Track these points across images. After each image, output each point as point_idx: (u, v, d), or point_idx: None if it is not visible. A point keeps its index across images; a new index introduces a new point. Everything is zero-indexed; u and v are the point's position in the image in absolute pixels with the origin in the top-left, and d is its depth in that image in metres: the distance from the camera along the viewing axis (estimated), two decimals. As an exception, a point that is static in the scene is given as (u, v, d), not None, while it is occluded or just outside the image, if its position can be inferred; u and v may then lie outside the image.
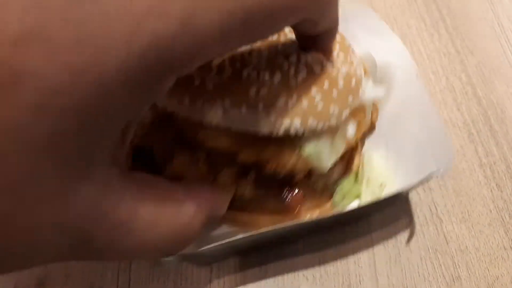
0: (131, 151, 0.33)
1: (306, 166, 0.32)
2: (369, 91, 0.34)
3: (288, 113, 0.27)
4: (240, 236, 0.31)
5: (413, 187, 0.34)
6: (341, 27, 0.42)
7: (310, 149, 0.31)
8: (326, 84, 0.29)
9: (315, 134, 0.30)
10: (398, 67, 0.39)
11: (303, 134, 0.29)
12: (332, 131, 0.31)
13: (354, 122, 0.33)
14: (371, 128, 0.40)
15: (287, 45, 0.30)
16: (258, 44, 0.30)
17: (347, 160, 0.37)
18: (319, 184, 0.35)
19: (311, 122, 0.28)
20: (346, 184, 0.37)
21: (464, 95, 0.50)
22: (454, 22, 0.56)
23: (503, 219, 0.41)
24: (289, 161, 0.31)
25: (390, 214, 0.40)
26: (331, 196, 0.37)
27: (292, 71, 0.28)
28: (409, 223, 0.40)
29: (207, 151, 0.32)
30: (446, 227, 0.40)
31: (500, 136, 0.47)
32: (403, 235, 0.39)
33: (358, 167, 0.38)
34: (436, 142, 0.34)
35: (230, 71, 0.28)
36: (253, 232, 0.31)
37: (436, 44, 0.54)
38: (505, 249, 0.39)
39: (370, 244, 0.39)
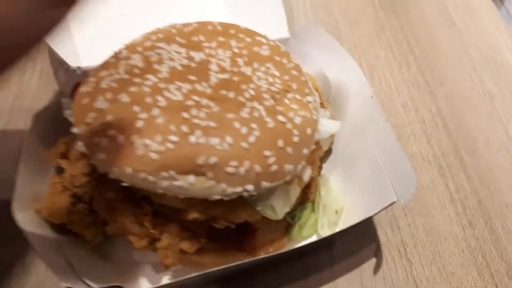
0: (67, 204, 0.30)
1: (259, 217, 0.30)
2: (326, 127, 0.32)
3: (240, 180, 0.25)
4: (187, 276, 0.28)
5: (371, 216, 0.32)
6: (294, 45, 0.41)
7: (262, 204, 0.29)
8: (280, 143, 0.27)
9: (268, 190, 0.28)
10: (352, 87, 0.37)
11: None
12: (287, 182, 0.30)
13: (310, 165, 0.31)
14: (327, 152, 0.38)
15: (241, 89, 0.28)
16: (206, 92, 0.28)
17: (305, 188, 0.35)
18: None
19: (265, 184, 0.26)
20: (304, 214, 0.35)
21: (434, 127, 0.48)
22: (423, 52, 0.56)
23: (475, 260, 0.39)
24: (241, 216, 0.29)
25: (355, 259, 0.37)
26: (287, 227, 0.35)
27: (243, 130, 0.26)
28: (377, 267, 0.37)
29: (153, 208, 0.30)
30: (416, 269, 0.38)
31: (471, 169, 0.45)
32: (370, 278, 0.37)
33: (315, 194, 0.36)
34: (396, 167, 0.32)
35: (175, 137, 0.25)
36: (201, 272, 0.28)
37: (405, 75, 0.53)
38: (478, 292, 0.37)
39: (334, 291, 0.36)
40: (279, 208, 0.30)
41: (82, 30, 0.45)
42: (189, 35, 0.32)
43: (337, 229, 0.34)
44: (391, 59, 0.54)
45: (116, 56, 0.30)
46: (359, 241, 0.38)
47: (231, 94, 0.28)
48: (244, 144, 0.26)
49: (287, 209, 0.30)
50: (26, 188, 0.29)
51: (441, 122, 0.48)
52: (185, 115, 0.26)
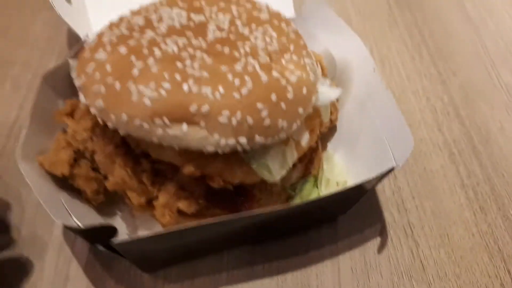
0: (70, 158, 0.31)
1: (256, 178, 0.30)
2: (325, 94, 0.32)
3: (232, 131, 0.25)
4: (180, 227, 0.27)
5: (371, 182, 0.31)
6: (299, 25, 0.41)
7: (258, 162, 0.29)
8: (273, 97, 0.27)
9: (263, 147, 0.28)
10: (356, 64, 0.37)
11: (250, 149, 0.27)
12: (283, 142, 0.29)
13: (307, 130, 0.31)
14: (332, 128, 0.37)
15: (236, 45, 0.29)
16: (202, 47, 0.28)
17: (307, 162, 0.34)
18: (276, 187, 0.32)
19: (258, 139, 0.26)
20: (305, 187, 0.35)
21: (445, 115, 0.47)
22: (437, 44, 0.55)
23: (487, 244, 0.37)
24: (237, 175, 0.29)
25: (359, 237, 0.37)
26: (288, 199, 0.34)
27: (236, 82, 0.26)
28: (382, 246, 0.36)
29: (151, 162, 0.30)
30: (423, 251, 0.36)
31: (484, 157, 0.43)
32: (373, 257, 0.35)
33: (318, 169, 0.36)
34: (395, 134, 0.32)
35: (168, 84, 0.26)
36: (191, 225, 0.27)
37: (417, 66, 0.52)
38: (489, 277, 0.35)
39: (336, 268, 0.35)
40: (275, 169, 0.29)
41: (98, 11, 0.47)
42: (191, 0, 0.33)
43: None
44: (404, 51, 0.54)
45: (121, 18, 0.31)
46: (364, 220, 0.38)
47: (226, 50, 0.28)
48: (236, 95, 0.26)
49: (283, 172, 0.30)
50: (31, 141, 0.30)
51: (453, 111, 0.47)
52: (179, 64, 0.26)
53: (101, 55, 0.28)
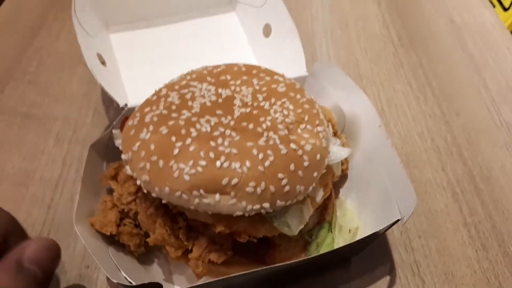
0: (116, 218, 0.36)
1: (277, 232, 0.34)
2: (337, 153, 0.36)
3: (258, 199, 0.30)
4: (210, 280, 0.32)
5: (379, 232, 0.34)
6: (311, 82, 0.46)
7: (279, 220, 0.33)
8: (292, 167, 0.31)
9: (283, 208, 0.33)
10: (363, 118, 0.41)
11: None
12: (300, 202, 0.34)
13: (322, 187, 0.36)
14: (343, 176, 0.42)
15: (259, 121, 0.33)
16: (230, 124, 0.33)
17: (322, 209, 0.39)
18: (295, 235, 0.36)
19: (279, 203, 0.31)
20: (321, 233, 0.38)
21: (449, 155, 0.51)
22: (441, 86, 0.59)
23: (488, 280, 0.40)
24: (261, 231, 0.34)
25: (371, 277, 0.40)
26: (305, 245, 0.38)
27: (260, 156, 0.31)
28: (391, 285, 0.40)
29: (186, 220, 0.35)
30: (428, 287, 0.40)
31: (485, 195, 0.47)
32: (383, 296, 0.39)
33: (332, 215, 0.40)
34: (400, 189, 0.35)
35: (204, 161, 0.30)
36: (224, 277, 0.31)
37: (422, 107, 0.56)
38: (491, 311, 0.39)
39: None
40: (293, 225, 0.34)
41: (129, 72, 0.53)
42: (218, 75, 0.38)
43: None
44: (409, 92, 0.58)
45: (157, 94, 0.36)
46: (374, 260, 0.41)
47: (251, 126, 0.33)
48: (261, 168, 0.30)
49: (301, 226, 0.34)
50: (83, 205, 0.35)
51: (456, 151, 0.51)
52: (212, 143, 0.31)
53: (145, 135, 0.33)
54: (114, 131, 0.37)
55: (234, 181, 0.30)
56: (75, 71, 0.57)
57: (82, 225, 0.34)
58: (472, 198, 0.47)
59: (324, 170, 0.34)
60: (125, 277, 0.32)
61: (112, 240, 0.37)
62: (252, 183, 0.30)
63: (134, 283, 0.30)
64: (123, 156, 0.33)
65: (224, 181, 0.30)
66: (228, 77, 0.38)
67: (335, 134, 0.41)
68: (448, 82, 0.59)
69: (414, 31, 0.67)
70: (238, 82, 0.37)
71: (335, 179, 0.40)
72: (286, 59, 0.51)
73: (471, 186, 0.48)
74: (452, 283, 0.40)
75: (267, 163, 0.31)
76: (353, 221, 0.40)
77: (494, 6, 1.18)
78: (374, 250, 0.42)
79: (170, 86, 0.37)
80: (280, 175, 0.31)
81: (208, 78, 0.37)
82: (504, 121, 0.55)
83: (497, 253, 0.42)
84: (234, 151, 0.31)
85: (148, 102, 0.36)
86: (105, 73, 0.48)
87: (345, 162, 0.41)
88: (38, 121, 0.51)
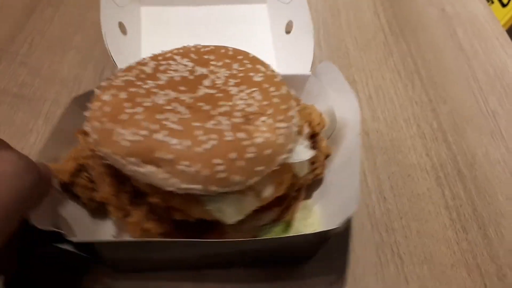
0: (73, 169, 0.37)
1: (211, 217, 0.34)
2: (299, 153, 0.36)
3: (189, 178, 0.30)
4: (131, 239, 0.34)
5: (308, 237, 0.34)
6: (314, 82, 0.45)
7: (213, 205, 0.33)
8: (232, 155, 0.30)
9: (219, 194, 0.32)
10: (350, 124, 0.40)
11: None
12: (240, 192, 0.33)
13: (272, 183, 0.35)
14: (318, 181, 0.41)
15: (218, 104, 0.33)
16: (187, 102, 0.33)
17: (284, 208, 0.38)
18: (246, 225, 0.36)
19: (212, 188, 0.30)
20: (273, 232, 0.38)
21: (434, 140, 0.51)
22: (429, 74, 0.59)
23: (466, 261, 0.41)
24: (194, 212, 0.33)
25: (350, 256, 0.41)
26: (252, 237, 0.37)
27: (203, 138, 0.30)
28: (370, 263, 0.41)
29: (134, 187, 0.35)
30: (407, 267, 0.41)
31: (468, 180, 0.48)
32: (362, 273, 0.40)
33: (292, 217, 0.39)
34: (351, 196, 0.34)
35: (145, 132, 0.31)
36: (148, 239, 0.33)
37: (410, 94, 0.57)
38: (467, 291, 0.39)
39: (328, 282, 0.39)
40: (229, 213, 0.33)
41: (150, 45, 0.56)
42: (203, 54, 0.38)
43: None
44: (397, 79, 0.58)
45: (139, 62, 0.37)
46: (354, 239, 0.42)
47: (207, 107, 0.32)
48: (199, 149, 0.30)
49: (239, 217, 0.34)
50: (50, 150, 0.37)
51: (442, 137, 0.52)
52: (160, 116, 0.31)
53: (106, 97, 0.33)
54: (95, 90, 0.37)
55: (169, 156, 0.30)
56: (67, 54, 0.58)
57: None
58: (455, 183, 0.47)
59: (277, 167, 0.33)
60: (55, 223, 0.33)
61: (67, 188, 0.38)
62: (185, 162, 0.30)
63: (51, 229, 0.31)
64: (85, 113, 0.34)
65: (159, 154, 0.30)
66: (212, 57, 0.38)
67: (314, 136, 0.41)
68: (437, 70, 0.60)
69: (405, 20, 0.67)
70: (220, 63, 0.37)
71: (306, 182, 0.40)
72: (296, 57, 0.51)
73: (455, 171, 0.48)
74: (430, 262, 0.41)
75: (206, 146, 0.30)
76: (313, 225, 0.39)
77: (492, 2, 1.19)
78: (355, 230, 0.42)
79: (154, 56, 0.38)
80: (216, 161, 0.30)
81: (192, 55, 0.38)
82: (490, 110, 0.55)
83: (476, 235, 0.43)
84: (179, 127, 0.31)
85: (127, 68, 0.37)
86: (120, 41, 0.51)
87: (320, 166, 0.41)
88: (28, 101, 0.52)
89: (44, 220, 0.32)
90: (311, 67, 0.48)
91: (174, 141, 0.30)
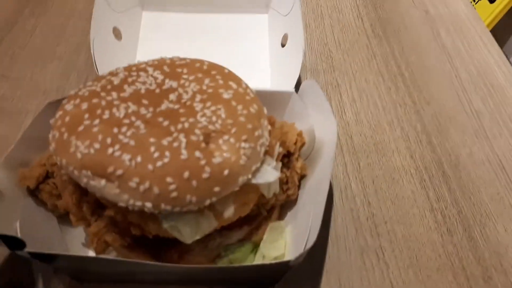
0: (40, 175, 0.37)
1: (167, 235, 0.33)
2: (264, 174, 0.35)
3: (140, 196, 0.29)
4: (96, 256, 0.34)
5: (265, 267, 0.33)
6: (296, 100, 0.45)
7: (169, 223, 0.32)
8: (186, 174, 0.30)
9: (175, 213, 0.32)
10: (326, 147, 0.39)
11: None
12: (197, 212, 0.33)
13: (235, 203, 0.34)
14: (291, 202, 0.41)
15: (179, 120, 0.32)
16: (146, 117, 0.32)
17: (254, 227, 0.38)
18: (212, 242, 0.36)
19: (164, 206, 0.30)
20: (239, 251, 0.37)
21: (418, 143, 0.51)
22: (412, 75, 0.59)
23: (452, 264, 0.41)
24: (151, 229, 0.33)
25: (334, 261, 0.41)
26: (215, 257, 0.37)
27: (156, 155, 0.30)
28: (355, 269, 0.40)
29: (94, 197, 0.34)
30: (392, 272, 0.40)
31: (453, 182, 0.48)
32: (347, 278, 0.40)
33: (261, 238, 0.39)
34: (314, 227, 0.33)
35: (98, 145, 0.30)
36: (112, 257, 0.33)
37: (393, 97, 0.57)
38: (453, 294, 0.39)
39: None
40: (186, 232, 0.32)
41: (146, 51, 0.57)
42: (176, 67, 0.37)
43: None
44: (380, 82, 0.58)
45: (111, 72, 0.37)
46: (339, 244, 0.42)
47: (166, 123, 0.32)
48: (150, 166, 0.29)
49: (196, 236, 0.33)
50: (18, 153, 0.37)
51: (426, 139, 0.52)
52: (115, 130, 0.31)
53: (69, 106, 0.33)
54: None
55: (119, 171, 0.29)
56: (49, 66, 0.57)
57: (7, 171, 0.36)
58: (439, 185, 0.47)
59: (237, 188, 0.33)
60: (16, 227, 0.33)
61: (32, 194, 0.38)
62: (136, 179, 0.29)
63: (18, 234, 0.32)
64: (50, 121, 0.34)
65: (110, 169, 0.30)
66: (185, 70, 0.37)
67: (289, 156, 0.40)
68: (420, 71, 0.60)
69: (388, 22, 0.68)
70: (191, 78, 0.36)
71: (275, 201, 0.39)
72: (284, 72, 0.51)
73: (439, 173, 0.48)
74: (416, 267, 0.41)
75: (159, 163, 0.30)
76: (279, 249, 0.38)
77: (479, -1, 1.19)
78: (339, 234, 0.42)
79: (129, 67, 0.37)
80: (168, 179, 0.29)
81: (165, 67, 0.37)
82: (474, 109, 0.56)
83: (462, 237, 0.43)
84: (132, 142, 0.30)
85: (98, 77, 0.36)
86: (112, 47, 0.51)
87: (293, 187, 0.40)
88: (9, 114, 0.51)
89: (7, 225, 0.32)
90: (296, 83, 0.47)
91: (126, 156, 0.30)
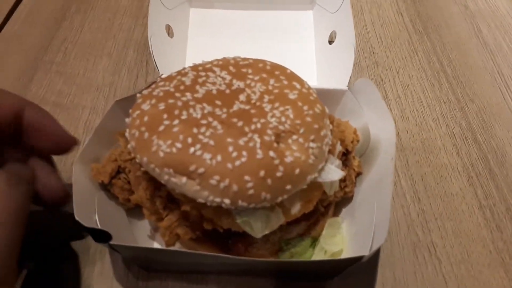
0: (112, 171, 0.39)
1: (240, 229, 0.35)
2: (329, 173, 0.36)
3: (219, 192, 0.31)
4: (160, 247, 0.36)
5: (340, 262, 0.35)
6: (350, 98, 0.46)
7: (242, 218, 0.34)
8: (261, 173, 0.31)
9: (248, 209, 0.33)
10: (384, 146, 0.40)
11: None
12: (268, 208, 0.34)
13: (302, 201, 0.36)
14: (347, 199, 0.42)
15: (251, 120, 0.34)
16: (221, 117, 0.34)
17: (312, 222, 0.40)
18: (274, 236, 0.38)
19: (241, 203, 0.32)
20: (300, 245, 0.39)
21: (464, 140, 0.52)
22: (455, 72, 0.60)
23: (503, 260, 0.42)
24: (224, 223, 0.35)
25: (388, 256, 0.42)
26: (278, 251, 0.39)
27: (234, 154, 0.31)
28: (408, 263, 0.42)
29: (168, 192, 0.37)
30: (445, 267, 0.42)
31: (500, 179, 0.48)
32: (401, 273, 0.41)
33: (319, 233, 0.40)
34: (381, 224, 0.34)
35: (180, 144, 0.32)
36: (176, 248, 0.35)
37: (437, 93, 0.57)
38: (505, 289, 0.41)
39: (367, 283, 0.41)
40: (256, 227, 0.34)
41: (195, 47, 0.58)
42: (241, 67, 0.39)
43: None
44: (423, 78, 0.59)
45: (179, 71, 0.38)
46: (392, 240, 0.43)
47: (240, 123, 0.33)
48: (229, 165, 0.31)
49: (266, 231, 0.35)
50: (91, 150, 0.39)
51: (471, 136, 0.52)
52: (195, 130, 0.32)
53: (145, 106, 0.35)
54: (138, 95, 0.38)
55: (201, 170, 0.31)
56: (99, 61, 0.59)
57: (82, 166, 0.37)
58: (486, 182, 0.48)
59: (305, 186, 0.34)
60: (96, 220, 0.35)
61: (105, 188, 0.40)
62: (216, 177, 0.31)
63: (99, 226, 0.33)
64: (126, 120, 0.36)
65: (192, 167, 0.31)
66: (250, 71, 0.38)
67: (347, 154, 0.41)
68: (462, 68, 0.60)
69: (428, 18, 0.68)
70: (257, 78, 0.38)
71: (335, 199, 0.40)
72: (336, 70, 0.52)
73: (486, 170, 0.49)
74: (467, 262, 0.42)
75: (237, 162, 0.31)
76: (338, 245, 0.40)
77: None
78: (391, 231, 0.44)
79: (195, 67, 0.39)
80: (246, 177, 0.31)
81: (231, 68, 0.38)
82: (518, 106, 0.56)
83: (511, 234, 0.44)
84: (212, 142, 0.32)
85: (167, 77, 0.38)
86: (166, 44, 0.53)
87: (350, 184, 0.41)
88: (67, 109, 0.53)
89: (87, 217, 0.34)
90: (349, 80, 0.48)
91: (206, 155, 0.31)
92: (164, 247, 0.37)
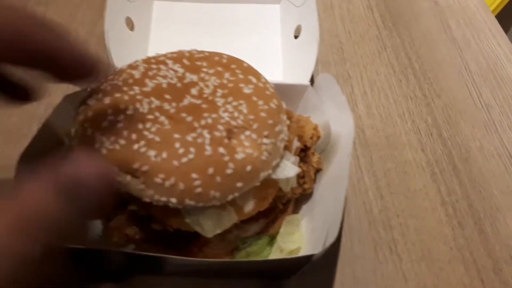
0: None
1: (190, 229, 0.34)
2: (284, 170, 0.35)
3: (165, 191, 0.30)
4: (119, 250, 0.34)
5: (285, 261, 0.34)
6: (312, 94, 0.45)
7: (191, 218, 0.33)
8: (210, 170, 0.30)
9: (197, 208, 0.32)
10: (343, 142, 0.40)
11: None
12: (219, 207, 0.33)
13: (255, 199, 0.35)
14: (307, 195, 0.41)
15: (202, 115, 0.32)
16: (169, 112, 0.32)
17: (270, 220, 0.38)
18: (229, 235, 0.36)
19: (188, 202, 0.30)
20: (257, 244, 0.38)
21: (429, 136, 0.52)
22: (423, 67, 0.60)
23: (463, 256, 0.42)
24: (173, 223, 0.33)
25: (348, 254, 0.42)
26: (234, 250, 0.37)
27: (181, 151, 0.30)
28: (368, 261, 0.41)
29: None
30: (405, 264, 0.41)
31: (464, 175, 0.48)
32: (361, 271, 0.40)
33: (278, 231, 0.39)
34: (334, 222, 0.33)
35: (124, 141, 0.30)
36: (133, 252, 0.33)
37: (404, 89, 0.57)
38: (464, 286, 0.40)
39: (327, 281, 0.40)
40: (207, 227, 0.33)
41: (157, 41, 0.57)
42: (196, 60, 0.37)
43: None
44: (391, 74, 0.58)
45: (131, 65, 0.36)
46: (352, 237, 0.43)
47: (189, 118, 0.32)
48: (176, 162, 0.30)
49: (217, 231, 0.33)
50: (36, 148, 0.36)
51: (436, 132, 0.52)
52: (140, 125, 0.31)
53: (91, 101, 0.33)
54: (88, 89, 0.36)
55: (145, 167, 0.30)
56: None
57: (25, 166, 0.35)
58: (450, 178, 0.48)
59: (258, 183, 0.33)
60: None
61: None
62: (161, 175, 0.30)
63: None
64: (71, 115, 0.34)
65: (136, 165, 0.30)
66: (204, 64, 0.37)
67: (305, 150, 0.40)
68: (430, 64, 0.60)
69: (398, 13, 0.67)
70: (211, 71, 0.36)
71: (291, 195, 0.39)
72: (301, 65, 0.51)
73: (450, 167, 0.49)
74: (428, 259, 0.42)
75: (184, 159, 0.30)
76: (296, 243, 0.39)
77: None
78: (352, 228, 0.43)
79: (148, 59, 0.37)
80: (193, 175, 0.30)
81: (185, 60, 0.37)
82: (484, 102, 0.56)
83: (472, 231, 0.44)
84: (157, 138, 0.30)
85: (118, 71, 0.36)
86: (125, 37, 0.51)
87: (309, 181, 0.40)
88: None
89: None
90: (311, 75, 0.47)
91: (151, 152, 0.30)
92: (115, 249, 0.36)
